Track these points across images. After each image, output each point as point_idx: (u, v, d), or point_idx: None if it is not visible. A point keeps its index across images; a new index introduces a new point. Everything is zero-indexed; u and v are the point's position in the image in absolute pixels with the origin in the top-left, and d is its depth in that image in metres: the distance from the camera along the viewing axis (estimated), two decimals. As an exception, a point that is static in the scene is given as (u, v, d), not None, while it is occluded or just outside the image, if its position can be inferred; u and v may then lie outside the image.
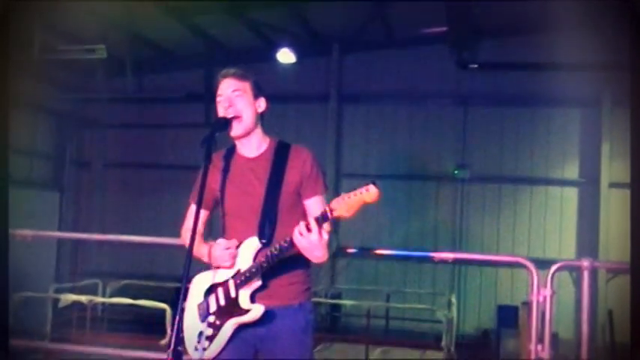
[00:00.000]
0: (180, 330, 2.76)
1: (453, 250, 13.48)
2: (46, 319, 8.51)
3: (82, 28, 12.19)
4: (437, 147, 14.36)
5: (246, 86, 3.25)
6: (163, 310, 6.74)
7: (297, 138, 15.46)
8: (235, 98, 3.20)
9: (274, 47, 13.99)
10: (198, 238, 3.20)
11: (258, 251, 3.08)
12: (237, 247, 3.11)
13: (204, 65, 14.42)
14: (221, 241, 3.14)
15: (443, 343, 8.59)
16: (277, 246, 2.97)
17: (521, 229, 13.96)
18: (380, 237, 14.26)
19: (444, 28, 12.63)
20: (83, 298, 7.98)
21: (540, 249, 13.57)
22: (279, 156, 3.22)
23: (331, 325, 12.57)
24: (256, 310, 3.02)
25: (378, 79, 14.64)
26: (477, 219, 14.16)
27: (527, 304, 11.77)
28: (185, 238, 3.34)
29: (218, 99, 3.23)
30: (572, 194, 13.84)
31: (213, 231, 3.36)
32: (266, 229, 3.11)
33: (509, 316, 12.06)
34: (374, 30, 13.80)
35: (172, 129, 15.24)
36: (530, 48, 12.61)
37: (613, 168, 13.05)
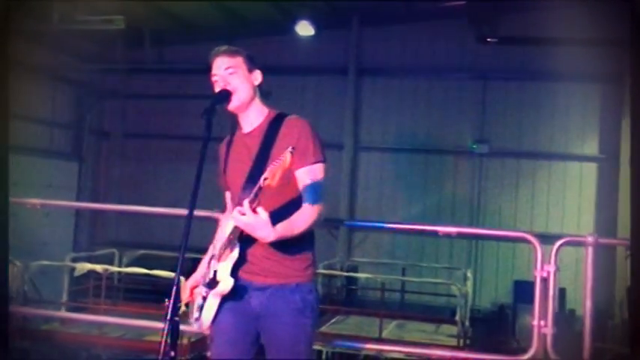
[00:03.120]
0: (177, 300, 2.76)
1: (470, 225, 13.45)
2: (63, 287, 8.58)
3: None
4: (455, 121, 14.24)
5: (239, 61, 3.24)
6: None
7: (315, 111, 15.49)
8: (229, 76, 3.20)
9: (293, 20, 13.90)
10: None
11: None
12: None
13: (224, 38, 14.36)
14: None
15: (457, 317, 8.59)
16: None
17: (539, 205, 13.86)
18: (396, 211, 14.24)
19: (464, 2, 12.46)
20: (98, 267, 8.00)
21: (558, 225, 13.47)
22: (272, 128, 3.18)
23: (347, 297, 12.60)
24: (224, 283, 3.00)
25: (397, 53, 14.51)
26: (494, 194, 14.09)
27: (545, 280, 11.70)
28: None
29: (213, 78, 3.24)
30: (591, 170, 13.70)
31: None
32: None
33: (526, 292, 11.95)
34: (393, 3, 13.65)
35: (191, 100, 15.19)
36: (550, 22, 12.40)
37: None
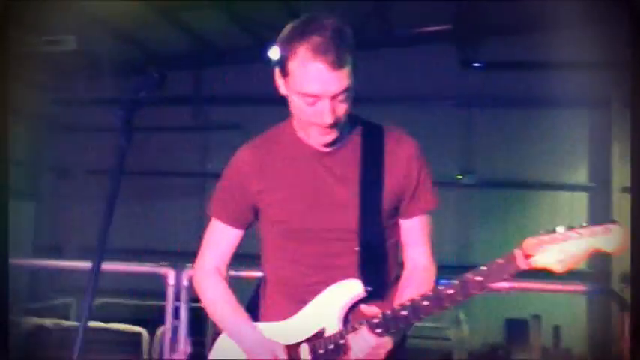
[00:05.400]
0: None
1: (457, 262, 13.15)
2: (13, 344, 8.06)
3: (59, 25, 11.80)
4: (440, 151, 13.98)
5: (350, 72, 2.09)
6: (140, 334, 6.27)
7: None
8: (340, 104, 2.08)
9: (266, 45, 13.63)
10: (229, 297, 2.10)
11: (356, 303, 2.05)
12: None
13: (192, 66, 14.07)
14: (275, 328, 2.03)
15: (453, 364, 8.29)
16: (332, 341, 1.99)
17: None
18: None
19: (447, 26, 12.33)
20: (48, 322, 7.36)
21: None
22: (371, 145, 2.17)
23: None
24: None
25: (376, 80, 14.24)
26: (483, 227, 13.83)
27: (538, 318, 11.51)
28: (216, 303, 2.19)
29: (307, 99, 2.05)
30: (582, 199, 13.52)
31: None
32: (369, 265, 2.09)
33: (519, 331, 11.81)
34: (372, 27, 13.46)
35: (158, 133, 14.82)
36: (537, 46, 12.30)
37: (624, 172, 12.73)
